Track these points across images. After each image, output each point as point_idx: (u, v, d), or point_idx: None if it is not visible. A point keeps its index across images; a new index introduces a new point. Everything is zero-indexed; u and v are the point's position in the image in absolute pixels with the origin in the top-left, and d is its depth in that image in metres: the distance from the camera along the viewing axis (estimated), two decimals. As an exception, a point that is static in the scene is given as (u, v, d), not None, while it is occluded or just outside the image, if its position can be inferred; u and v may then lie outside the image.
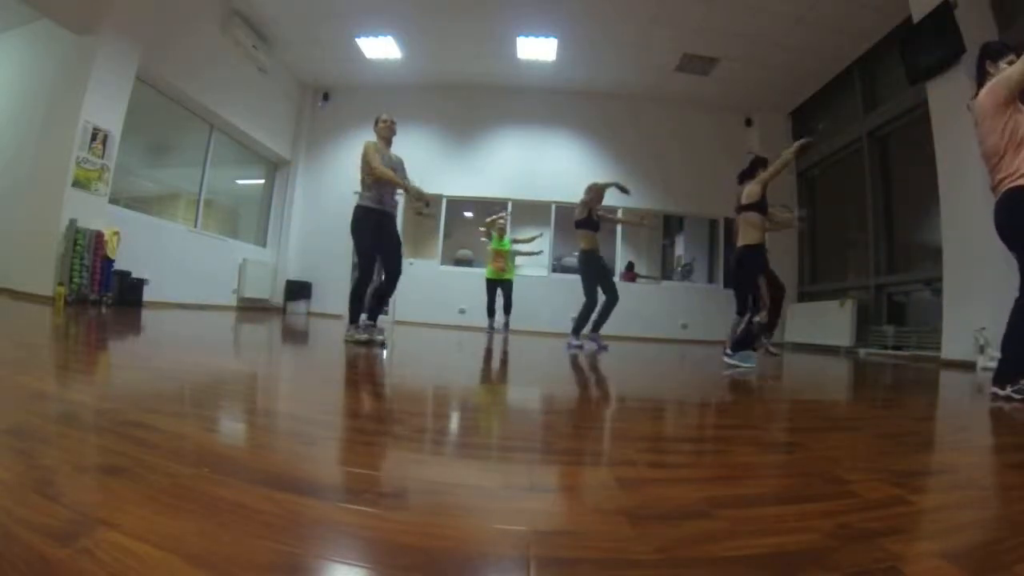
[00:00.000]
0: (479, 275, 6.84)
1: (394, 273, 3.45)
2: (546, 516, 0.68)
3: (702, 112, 8.27)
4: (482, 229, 6.83)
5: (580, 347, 4.33)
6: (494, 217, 6.53)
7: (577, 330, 4.48)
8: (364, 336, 3.24)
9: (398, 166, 3.48)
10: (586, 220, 4.53)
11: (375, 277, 3.55)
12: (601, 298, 4.48)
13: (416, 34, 7.06)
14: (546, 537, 0.59)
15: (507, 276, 6.37)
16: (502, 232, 6.45)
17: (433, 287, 7.93)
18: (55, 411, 1.01)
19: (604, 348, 4.40)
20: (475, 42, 7.11)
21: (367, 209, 3.34)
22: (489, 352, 3.68)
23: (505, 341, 5.03)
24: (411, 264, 8.21)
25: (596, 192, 4.60)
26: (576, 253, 4.70)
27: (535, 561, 0.52)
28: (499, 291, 6.34)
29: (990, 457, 1.20)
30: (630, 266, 8.57)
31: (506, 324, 6.39)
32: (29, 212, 4.83)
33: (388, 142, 3.52)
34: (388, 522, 0.61)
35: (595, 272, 4.53)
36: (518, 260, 6.74)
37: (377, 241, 3.40)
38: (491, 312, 6.35)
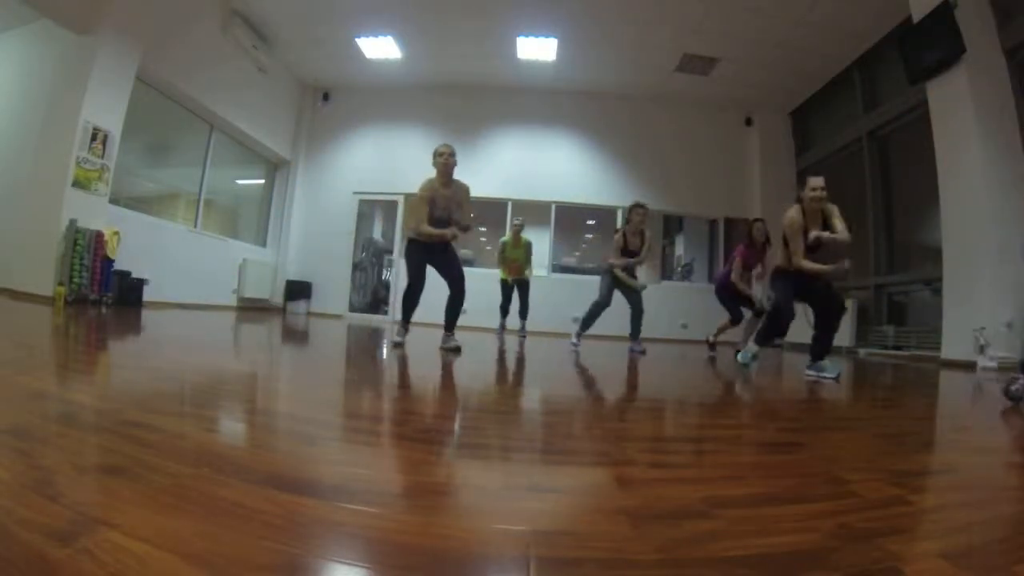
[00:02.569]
0: (479, 275, 6.80)
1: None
2: (546, 516, 0.68)
3: (702, 112, 8.26)
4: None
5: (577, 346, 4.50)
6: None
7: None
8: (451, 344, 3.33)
9: (451, 203, 3.33)
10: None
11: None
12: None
13: (416, 34, 7.05)
14: (546, 537, 0.59)
15: (524, 278, 5.98)
16: (517, 234, 5.86)
17: (433, 288, 7.91)
18: (55, 411, 1.01)
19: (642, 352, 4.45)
20: (475, 42, 7.11)
21: (412, 241, 3.47)
22: (500, 356, 3.69)
23: (521, 346, 4.83)
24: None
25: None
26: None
27: (535, 561, 0.52)
28: (515, 290, 5.96)
29: (990, 457, 1.20)
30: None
31: (522, 328, 6.05)
32: (29, 212, 4.83)
33: (446, 177, 3.30)
34: (388, 522, 0.61)
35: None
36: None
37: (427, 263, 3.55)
38: (505, 311, 5.98)
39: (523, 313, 6.08)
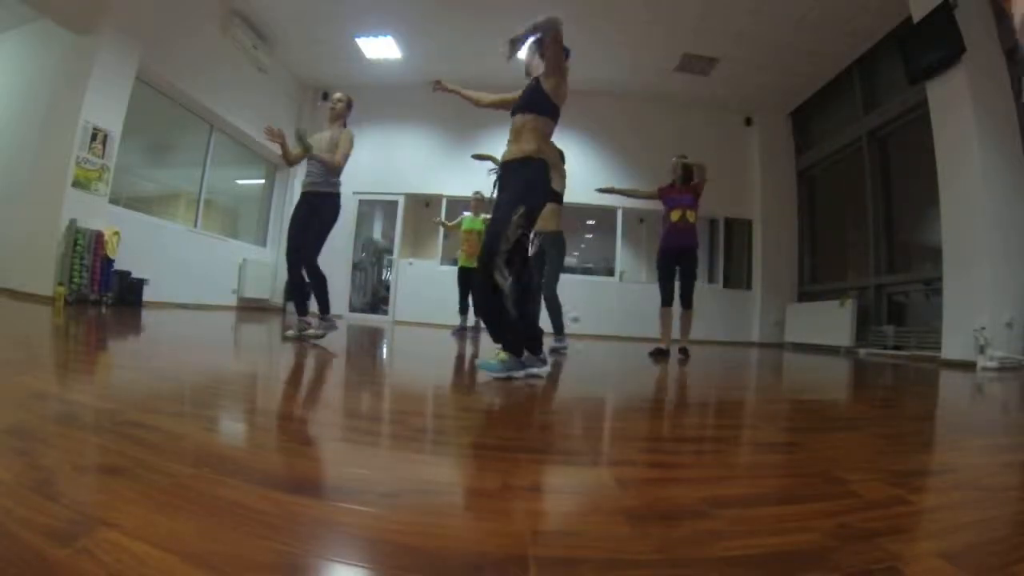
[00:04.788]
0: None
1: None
2: (546, 516, 0.68)
3: (702, 112, 8.27)
4: (438, 221, 5.75)
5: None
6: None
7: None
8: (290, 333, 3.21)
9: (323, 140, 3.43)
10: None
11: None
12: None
13: (416, 34, 7.05)
14: (546, 537, 0.59)
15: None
16: (478, 205, 5.45)
17: (433, 287, 7.93)
18: (55, 411, 1.01)
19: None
20: (475, 42, 7.10)
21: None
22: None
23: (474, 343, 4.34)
24: (411, 264, 8.25)
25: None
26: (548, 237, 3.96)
27: (535, 561, 0.52)
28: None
29: (990, 457, 1.20)
30: None
31: (476, 327, 5.50)
32: (29, 212, 4.83)
33: (330, 121, 3.53)
34: (388, 522, 0.61)
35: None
36: None
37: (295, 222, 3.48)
38: (463, 307, 5.40)
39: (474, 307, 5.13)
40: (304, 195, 3.47)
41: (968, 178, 4.47)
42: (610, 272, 8.59)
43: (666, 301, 4.19)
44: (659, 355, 3.95)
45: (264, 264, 7.98)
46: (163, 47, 5.61)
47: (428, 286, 7.94)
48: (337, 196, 3.52)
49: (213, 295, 6.94)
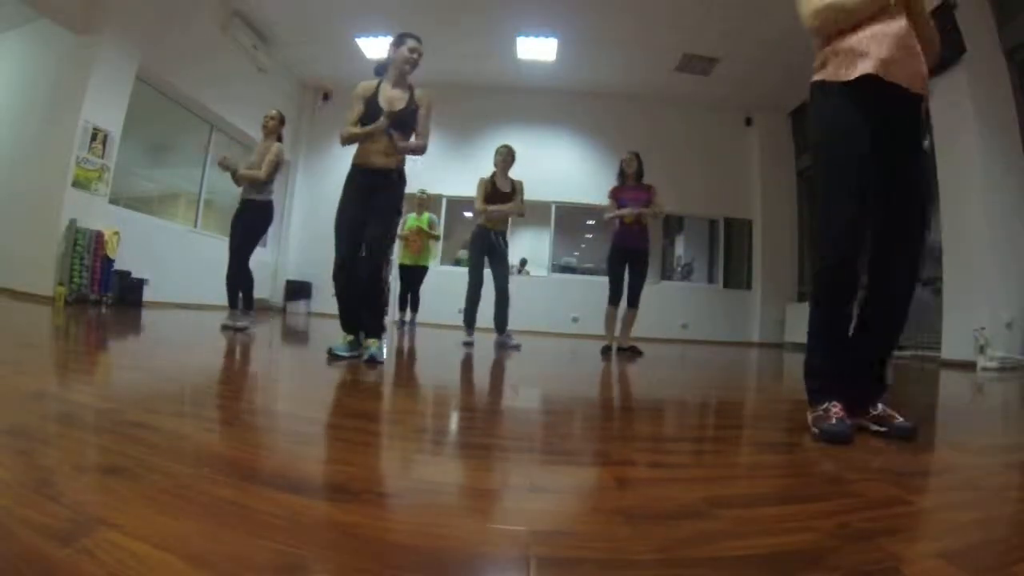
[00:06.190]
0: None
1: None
2: (546, 516, 0.68)
3: (702, 112, 8.26)
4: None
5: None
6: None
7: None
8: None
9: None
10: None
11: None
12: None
13: (415, 34, 7.05)
14: (546, 537, 0.59)
15: (422, 262, 5.85)
16: (420, 205, 5.84)
17: (432, 288, 7.92)
18: (55, 411, 1.01)
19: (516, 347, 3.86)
20: (475, 42, 7.10)
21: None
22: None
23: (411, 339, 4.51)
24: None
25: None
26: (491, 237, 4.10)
27: (535, 561, 0.52)
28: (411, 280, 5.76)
29: (990, 457, 1.20)
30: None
31: (412, 322, 5.86)
32: (29, 212, 4.82)
33: (264, 136, 3.99)
34: (387, 522, 0.61)
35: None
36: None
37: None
38: (403, 303, 5.89)
39: (414, 304, 5.82)
40: (241, 202, 3.97)
41: (968, 178, 4.47)
42: (610, 272, 8.58)
43: (613, 300, 4.12)
44: (608, 352, 4.01)
45: (264, 264, 7.96)
46: (163, 47, 5.60)
47: (427, 287, 7.93)
48: (267, 204, 3.95)
49: (213, 295, 6.91)
